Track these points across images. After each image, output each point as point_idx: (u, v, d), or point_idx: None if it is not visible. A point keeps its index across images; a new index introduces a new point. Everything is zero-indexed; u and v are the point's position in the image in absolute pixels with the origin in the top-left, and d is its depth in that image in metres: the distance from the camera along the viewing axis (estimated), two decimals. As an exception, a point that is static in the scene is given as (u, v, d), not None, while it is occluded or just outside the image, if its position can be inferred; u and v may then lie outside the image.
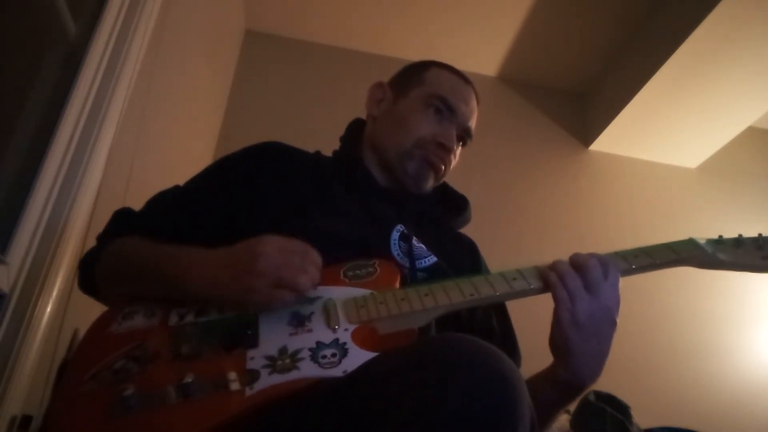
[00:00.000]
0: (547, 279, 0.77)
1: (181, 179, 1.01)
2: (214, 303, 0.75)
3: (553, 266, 0.78)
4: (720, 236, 0.85)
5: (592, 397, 2.13)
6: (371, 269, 0.83)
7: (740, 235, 0.84)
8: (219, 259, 0.75)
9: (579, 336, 0.73)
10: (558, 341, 0.75)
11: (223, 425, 0.60)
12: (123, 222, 0.95)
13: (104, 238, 0.94)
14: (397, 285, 0.81)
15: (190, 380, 0.63)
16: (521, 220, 2.88)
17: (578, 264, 0.76)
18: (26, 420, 1.05)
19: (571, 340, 0.73)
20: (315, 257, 0.75)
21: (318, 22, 2.96)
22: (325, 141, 1.15)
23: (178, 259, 0.78)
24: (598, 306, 0.74)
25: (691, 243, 0.84)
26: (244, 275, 0.71)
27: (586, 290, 0.75)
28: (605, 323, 0.75)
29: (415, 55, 1.34)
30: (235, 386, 0.63)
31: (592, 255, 0.78)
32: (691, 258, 0.83)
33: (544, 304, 0.79)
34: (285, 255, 0.72)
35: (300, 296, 0.73)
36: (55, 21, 1.26)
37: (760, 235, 0.84)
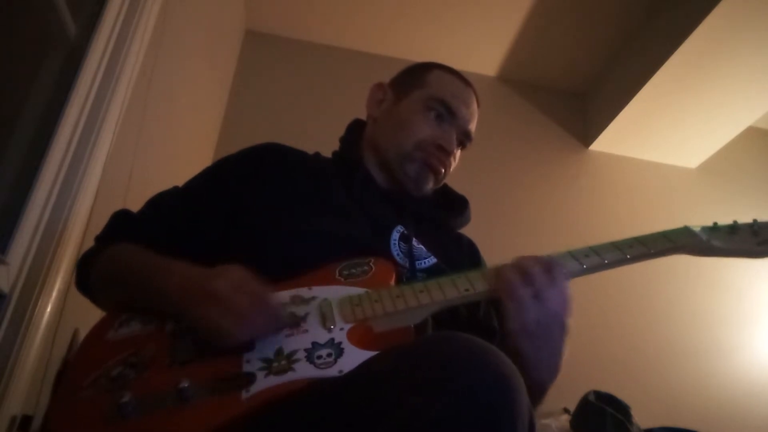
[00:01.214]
0: (496, 287, 0.76)
1: (181, 179, 1.01)
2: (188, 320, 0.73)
3: (500, 274, 0.76)
4: (715, 223, 0.85)
5: (592, 398, 2.14)
6: (366, 268, 0.83)
7: (735, 221, 0.84)
8: (188, 279, 0.73)
9: (531, 344, 0.73)
10: (511, 351, 0.74)
11: (221, 429, 0.60)
12: (121, 225, 0.95)
13: (102, 240, 0.94)
14: (393, 283, 0.81)
15: (186, 385, 0.63)
16: (521, 220, 2.88)
17: (523, 271, 0.75)
18: (26, 420, 1.05)
19: (523, 349, 0.73)
20: (268, 305, 0.70)
21: (318, 22, 2.96)
22: (325, 141, 1.15)
23: (164, 273, 0.77)
24: (545, 313, 0.73)
25: (685, 231, 0.83)
26: (193, 305, 0.69)
27: (533, 298, 0.73)
28: (555, 329, 0.75)
29: (415, 56, 1.35)
30: (231, 389, 0.63)
31: (537, 260, 0.77)
32: (686, 246, 0.82)
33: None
34: (233, 293, 0.68)
35: (230, 340, 0.68)
36: (55, 21, 1.26)
37: (755, 220, 0.84)
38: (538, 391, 0.76)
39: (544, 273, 0.75)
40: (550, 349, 0.74)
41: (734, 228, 0.83)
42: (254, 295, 0.69)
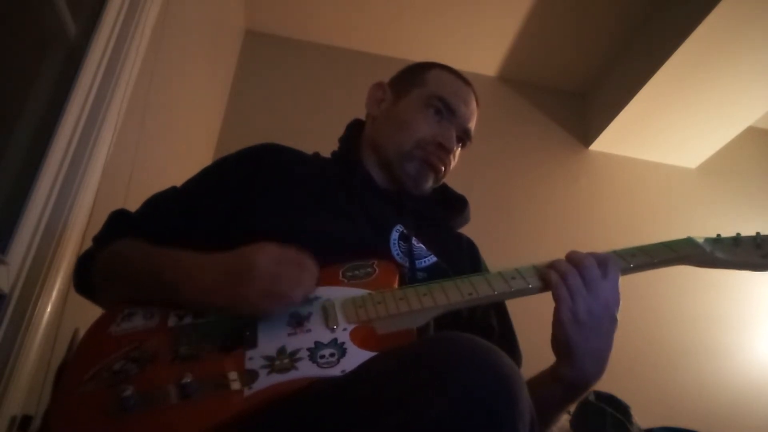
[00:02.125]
0: (547, 278, 0.77)
1: (181, 179, 1.01)
2: (208, 309, 0.75)
3: (553, 265, 0.78)
4: (718, 235, 0.85)
5: (592, 398, 2.13)
6: (370, 270, 0.83)
7: (738, 234, 0.84)
8: (214, 265, 0.75)
9: (581, 334, 0.73)
10: (560, 340, 0.75)
11: (222, 425, 0.60)
12: (119, 224, 0.94)
13: (100, 239, 0.94)
14: (396, 285, 0.81)
15: (188, 381, 0.63)
16: (521, 220, 2.88)
17: (576, 261, 0.77)
18: (26, 420, 1.05)
19: (572, 338, 0.73)
20: (311, 266, 0.74)
21: (318, 22, 2.96)
22: (325, 141, 1.15)
23: (174, 264, 0.77)
24: (597, 303, 0.74)
25: (689, 242, 0.84)
26: (238, 285, 0.71)
27: (585, 288, 0.75)
28: (606, 320, 0.75)
29: (416, 55, 1.35)
30: (234, 386, 0.63)
31: (589, 253, 0.78)
32: (690, 256, 0.83)
33: (545, 303, 0.79)
34: (280, 266, 0.72)
35: (292, 306, 0.73)
36: (55, 21, 1.26)
37: (758, 233, 0.84)
38: (581, 384, 0.76)
39: (596, 264, 0.76)
40: (599, 340, 0.74)
41: (737, 240, 0.84)
42: (297, 259, 0.73)
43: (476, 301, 0.77)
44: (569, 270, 0.76)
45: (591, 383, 0.76)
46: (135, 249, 0.85)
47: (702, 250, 0.82)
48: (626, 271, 0.80)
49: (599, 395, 2.15)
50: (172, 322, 0.75)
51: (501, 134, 3.02)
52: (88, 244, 0.98)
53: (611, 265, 0.77)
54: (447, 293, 0.76)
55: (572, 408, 2.20)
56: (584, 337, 0.73)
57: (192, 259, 0.77)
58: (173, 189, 0.99)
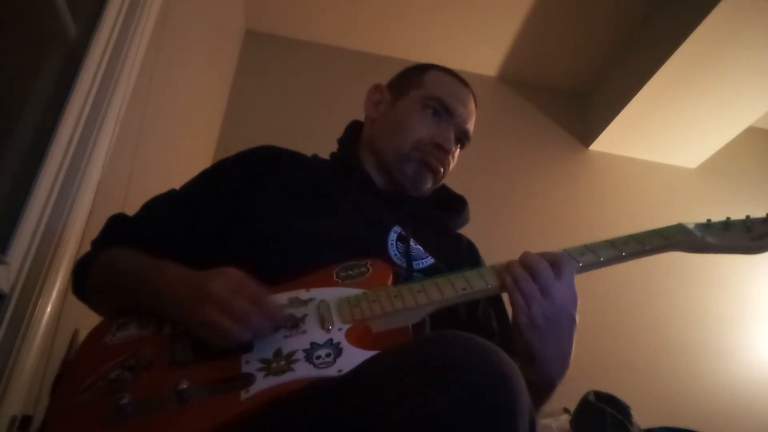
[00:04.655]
0: (504, 283, 0.76)
1: (181, 179, 1.01)
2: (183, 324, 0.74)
3: (508, 269, 0.77)
4: (708, 220, 0.86)
5: (592, 398, 2.13)
6: (364, 269, 0.83)
7: (728, 218, 0.85)
8: (181, 285, 0.74)
9: (540, 338, 0.73)
10: (520, 346, 0.75)
11: (221, 429, 0.60)
12: (117, 229, 0.95)
13: (98, 244, 0.94)
14: (390, 283, 0.81)
15: (185, 386, 0.63)
16: (521, 220, 2.88)
17: (529, 266, 0.76)
18: (26, 420, 1.05)
19: (532, 343, 0.73)
20: (266, 305, 0.70)
21: (318, 22, 2.96)
22: (325, 141, 1.15)
23: (158, 276, 0.77)
24: (553, 306, 0.74)
25: (680, 228, 0.84)
26: (192, 309, 0.69)
27: (540, 292, 0.74)
28: (564, 321, 0.75)
29: (416, 56, 1.35)
30: (230, 390, 0.63)
31: (542, 255, 0.78)
32: (681, 242, 0.83)
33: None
34: (234, 295, 0.68)
35: (230, 342, 0.68)
36: (55, 21, 1.26)
37: (747, 216, 0.84)
38: (547, 387, 0.76)
39: (549, 267, 0.76)
40: (559, 342, 0.75)
41: (728, 224, 0.84)
42: (252, 295, 0.69)
43: (470, 296, 0.77)
44: (522, 275, 0.75)
45: (556, 383, 0.76)
46: (126, 258, 0.86)
47: (693, 236, 0.83)
48: (618, 260, 0.80)
49: (599, 395, 2.14)
50: (167, 329, 0.75)
51: (501, 134, 3.01)
52: (88, 244, 0.98)
53: (564, 265, 0.77)
54: (441, 289, 0.76)
55: (572, 408, 2.20)
56: (544, 340, 0.73)
57: (171, 274, 0.77)
58: (172, 192, 0.99)
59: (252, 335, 0.69)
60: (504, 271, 0.77)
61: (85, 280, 0.89)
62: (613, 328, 2.67)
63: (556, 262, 0.77)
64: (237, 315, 0.67)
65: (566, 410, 2.28)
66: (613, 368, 2.56)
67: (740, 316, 2.84)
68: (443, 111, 1.03)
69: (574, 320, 0.76)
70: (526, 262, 0.76)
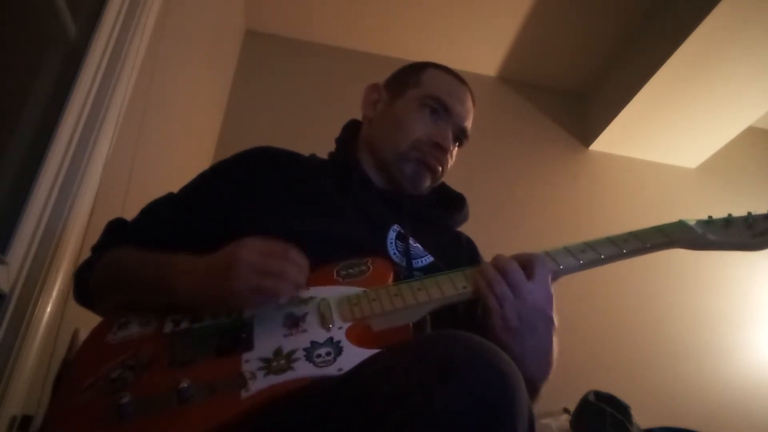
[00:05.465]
0: (477, 286, 0.77)
1: (181, 179, 1.01)
2: (203, 308, 0.75)
3: (481, 272, 0.77)
4: (709, 216, 0.86)
5: (592, 398, 2.14)
6: (364, 268, 0.83)
7: (729, 215, 0.84)
8: (203, 264, 0.75)
9: (515, 339, 0.73)
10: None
11: (221, 428, 0.60)
12: (116, 233, 0.95)
13: (98, 249, 0.94)
14: (390, 282, 0.82)
15: (185, 385, 0.63)
16: (521, 220, 2.88)
17: (500, 267, 0.76)
18: (26, 420, 1.05)
19: (507, 344, 0.73)
20: (297, 258, 0.74)
21: (318, 22, 2.96)
22: (325, 141, 1.15)
23: (168, 266, 0.78)
24: (525, 307, 0.74)
25: (681, 225, 0.84)
26: (224, 280, 0.71)
27: (512, 293, 0.74)
28: (539, 321, 0.75)
29: (415, 56, 1.35)
30: (231, 389, 0.63)
31: (515, 257, 0.78)
32: (682, 240, 0.83)
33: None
34: (265, 258, 0.72)
35: (284, 297, 0.72)
36: (55, 21, 1.26)
37: (749, 213, 0.84)
38: (528, 389, 0.76)
39: (519, 268, 0.76)
40: (535, 343, 0.74)
41: (729, 221, 0.84)
42: (281, 253, 0.73)
43: (470, 294, 0.77)
44: (494, 277, 0.75)
45: (538, 384, 0.75)
46: (131, 255, 0.86)
47: (694, 233, 0.83)
48: (619, 257, 0.80)
49: (599, 395, 2.15)
50: (168, 328, 0.75)
51: (501, 134, 3.01)
52: (88, 244, 0.98)
53: (537, 266, 0.77)
54: (441, 287, 0.76)
55: (572, 408, 2.20)
56: (519, 341, 0.73)
57: (184, 260, 0.78)
58: (170, 195, 0.99)
59: (294, 289, 0.73)
60: (476, 273, 0.77)
61: (86, 286, 0.89)
62: (613, 328, 2.67)
63: (528, 262, 0.77)
64: (277, 272, 0.71)
65: (566, 410, 2.28)
66: (613, 368, 2.56)
67: (740, 316, 2.84)
68: (441, 110, 1.03)
69: (552, 320, 0.76)
70: (497, 263, 0.77)
